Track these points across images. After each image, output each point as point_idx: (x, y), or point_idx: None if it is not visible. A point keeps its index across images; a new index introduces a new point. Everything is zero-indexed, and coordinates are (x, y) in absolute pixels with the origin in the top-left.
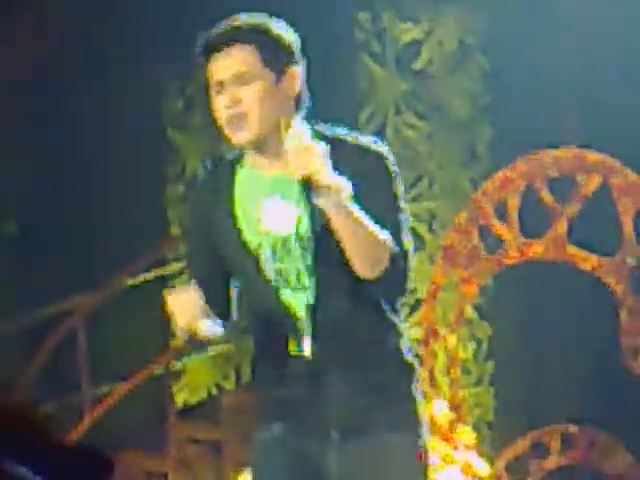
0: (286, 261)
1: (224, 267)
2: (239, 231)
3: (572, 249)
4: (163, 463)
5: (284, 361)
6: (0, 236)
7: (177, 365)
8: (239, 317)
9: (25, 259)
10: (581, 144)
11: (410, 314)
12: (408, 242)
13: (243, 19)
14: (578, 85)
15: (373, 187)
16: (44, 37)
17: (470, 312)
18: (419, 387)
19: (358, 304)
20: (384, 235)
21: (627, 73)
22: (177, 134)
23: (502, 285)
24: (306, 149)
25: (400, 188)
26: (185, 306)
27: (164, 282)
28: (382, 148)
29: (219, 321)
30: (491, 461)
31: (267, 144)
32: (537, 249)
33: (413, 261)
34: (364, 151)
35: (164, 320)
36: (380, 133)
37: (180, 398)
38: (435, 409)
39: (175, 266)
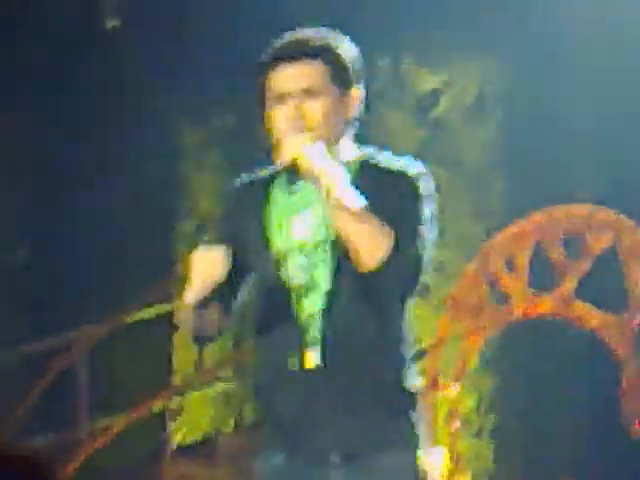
0: (306, 268)
1: (242, 265)
2: (266, 236)
3: (580, 306)
4: None
5: (287, 375)
6: (4, 266)
7: (176, 403)
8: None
9: (28, 290)
10: (596, 196)
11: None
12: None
13: (312, 33)
14: (595, 136)
15: (399, 208)
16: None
17: (474, 363)
18: (420, 411)
19: (369, 316)
20: (382, 224)
21: None
22: (191, 171)
23: (507, 337)
24: (296, 139)
25: (429, 211)
26: (209, 264)
27: (168, 319)
28: (414, 170)
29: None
30: None
31: None
32: (545, 304)
33: (426, 269)
34: (392, 173)
35: (165, 357)
36: None
37: (177, 436)
38: (433, 457)
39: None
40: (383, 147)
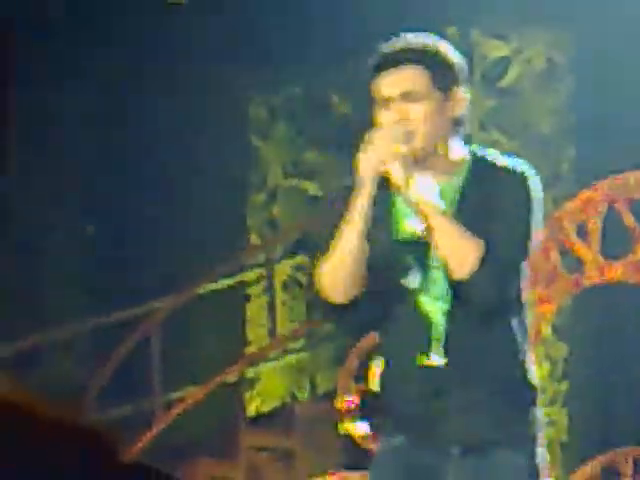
0: (430, 269)
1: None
2: (392, 235)
3: None
4: (233, 470)
5: (414, 369)
6: (80, 237)
7: (251, 373)
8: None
9: (103, 262)
10: None
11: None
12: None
13: (413, 40)
14: None
15: (506, 207)
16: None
17: (546, 331)
18: (539, 410)
19: (490, 319)
20: (472, 236)
21: None
22: (261, 143)
23: (580, 305)
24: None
25: (536, 213)
26: (388, 142)
27: (241, 290)
28: (526, 170)
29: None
30: None
31: (426, 160)
32: (617, 271)
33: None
34: (506, 172)
35: (238, 328)
36: None
37: (252, 406)
38: None
39: (253, 274)
40: None
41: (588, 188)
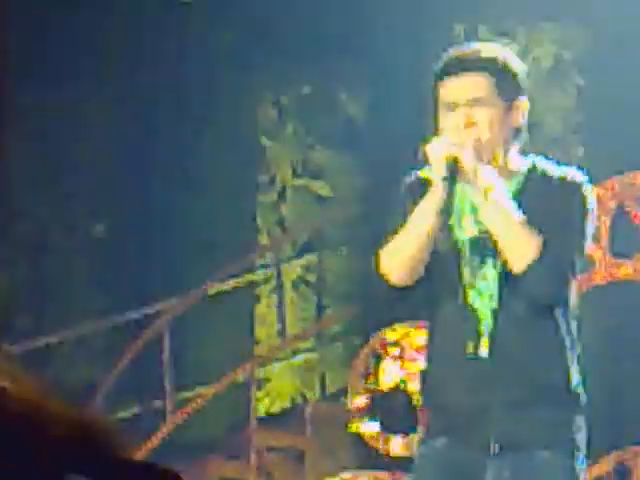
0: (479, 265)
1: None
2: (450, 229)
3: None
4: (244, 470)
5: (458, 364)
6: (89, 238)
7: (261, 372)
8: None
9: (113, 262)
10: None
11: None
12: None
13: (481, 47)
14: None
15: (562, 212)
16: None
17: None
18: (580, 416)
19: (538, 319)
20: (532, 231)
21: None
22: (270, 143)
23: (589, 304)
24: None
25: (592, 226)
26: (458, 133)
27: (251, 289)
28: (583, 181)
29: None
30: None
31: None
32: (626, 270)
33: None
34: (562, 182)
35: (247, 328)
36: None
37: (263, 405)
38: None
39: (262, 274)
40: None
41: (597, 187)
